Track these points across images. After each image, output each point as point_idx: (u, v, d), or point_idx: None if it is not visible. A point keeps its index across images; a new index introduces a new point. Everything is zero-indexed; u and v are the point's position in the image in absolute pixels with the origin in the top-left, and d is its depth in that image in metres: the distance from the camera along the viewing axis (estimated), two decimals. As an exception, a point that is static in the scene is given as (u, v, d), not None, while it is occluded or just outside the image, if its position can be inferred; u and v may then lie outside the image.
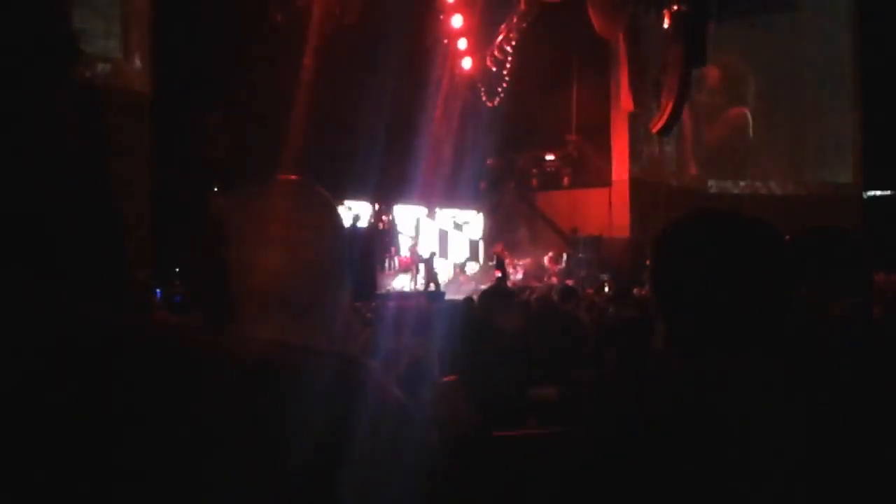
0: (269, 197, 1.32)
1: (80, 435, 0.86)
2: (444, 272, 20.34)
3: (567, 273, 20.22)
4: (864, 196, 26.48)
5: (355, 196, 17.59)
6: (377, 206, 19.16)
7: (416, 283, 19.13)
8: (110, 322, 0.94)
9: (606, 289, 16.32)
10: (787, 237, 1.88)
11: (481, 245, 23.31)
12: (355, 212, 17.96)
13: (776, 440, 1.31)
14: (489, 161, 23.44)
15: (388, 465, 1.07)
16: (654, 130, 20.66)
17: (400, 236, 20.10)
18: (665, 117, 19.69)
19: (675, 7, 18.70)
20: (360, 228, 16.95)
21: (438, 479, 1.16)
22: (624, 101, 20.99)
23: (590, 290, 15.17)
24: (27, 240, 0.88)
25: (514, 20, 20.56)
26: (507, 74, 21.03)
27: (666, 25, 19.54)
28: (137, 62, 13.58)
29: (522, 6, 20.09)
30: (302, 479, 1.00)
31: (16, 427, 0.83)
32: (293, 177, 1.35)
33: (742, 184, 26.07)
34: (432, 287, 18.66)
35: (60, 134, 0.93)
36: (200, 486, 0.93)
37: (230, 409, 0.98)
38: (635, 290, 12.07)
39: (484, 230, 23.48)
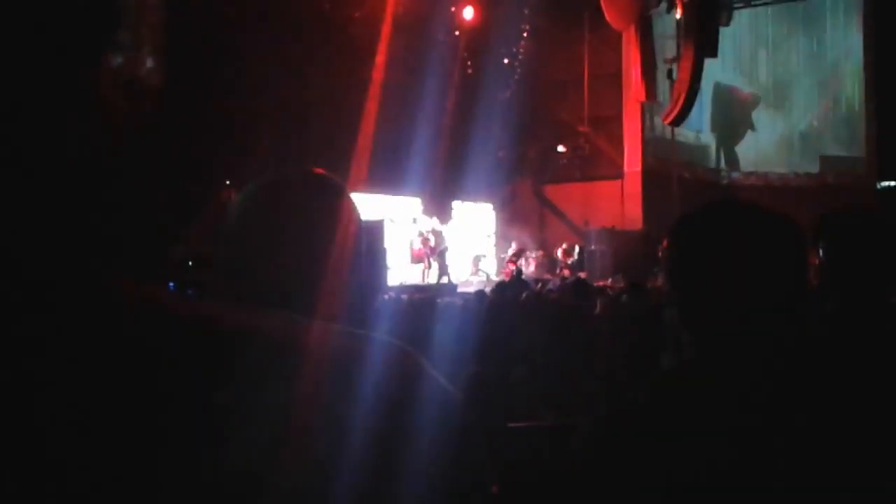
0: (281, 189, 1.31)
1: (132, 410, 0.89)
2: (456, 265, 20.32)
3: (579, 265, 20.18)
4: (878, 186, 26.38)
5: (367, 190, 17.60)
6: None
7: (427, 276, 19.14)
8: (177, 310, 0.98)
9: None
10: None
11: (493, 238, 23.28)
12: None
13: (791, 437, 1.30)
14: (500, 153, 23.42)
15: (436, 449, 1.11)
16: (667, 121, 20.63)
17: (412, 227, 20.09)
18: (678, 108, 19.66)
19: (688, -3, 18.66)
20: (371, 222, 16.93)
21: (479, 464, 1.21)
22: (636, 92, 20.95)
23: (602, 283, 15.15)
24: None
25: (526, 12, 20.54)
26: (519, 66, 21.00)
27: (678, 16, 19.50)
28: (149, 56, 13.58)
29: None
30: (360, 460, 1.04)
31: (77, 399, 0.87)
32: (307, 169, 1.34)
33: (754, 175, 25.99)
34: (445, 280, 18.66)
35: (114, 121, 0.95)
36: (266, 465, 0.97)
37: (293, 394, 1.02)
38: (648, 283, 12.03)
39: (496, 223, 23.45)
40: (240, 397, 0.98)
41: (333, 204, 1.29)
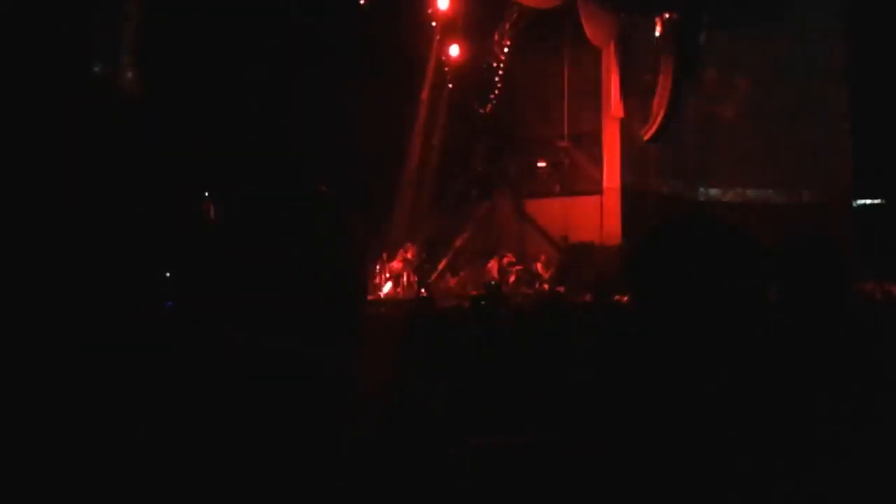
0: (271, 202, 1.31)
1: None
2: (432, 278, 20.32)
3: (558, 280, 20.22)
4: (854, 205, 26.55)
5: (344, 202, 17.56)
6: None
7: (403, 289, 19.10)
8: None
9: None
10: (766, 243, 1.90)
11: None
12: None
13: None
14: (480, 168, 23.47)
15: None
16: (646, 138, 20.75)
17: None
18: (656, 125, 19.80)
19: (667, 15, 18.80)
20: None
21: None
22: (615, 109, 21.06)
23: (580, 298, 15.16)
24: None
25: (506, 27, 20.64)
26: (499, 81, 21.07)
27: (658, 33, 19.65)
28: (131, 64, 13.55)
29: (514, 13, 20.16)
30: None
31: None
32: (296, 181, 1.34)
33: (732, 192, 26.12)
34: (423, 293, 18.64)
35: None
36: None
37: None
38: (618, 298, 11.99)
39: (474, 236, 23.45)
40: None
41: (322, 215, 1.28)
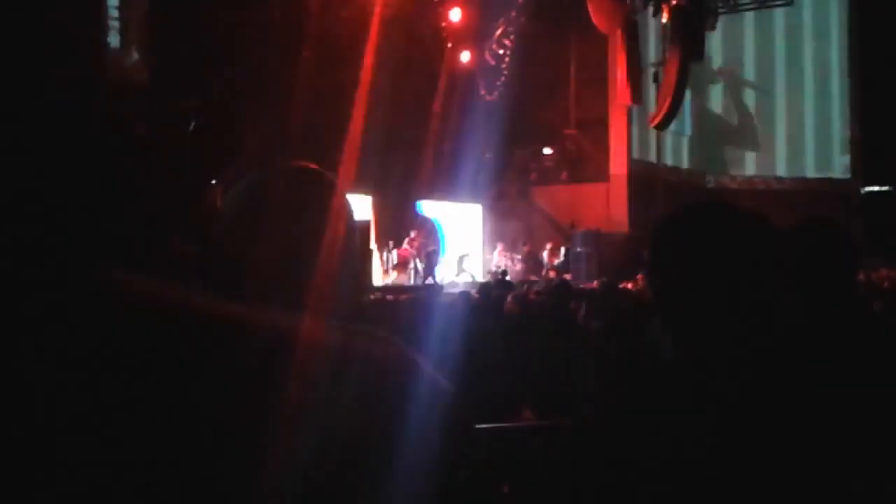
0: (270, 182, 1.31)
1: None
2: (441, 266, 20.32)
3: (565, 267, 20.22)
4: (862, 191, 26.51)
5: (353, 189, 17.58)
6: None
7: (413, 278, 19.10)
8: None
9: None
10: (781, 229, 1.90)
11: (480, 239, 23.27)
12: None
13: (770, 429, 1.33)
14: (487, 155, 23.44)
15: (429, 441, 1.14)
16: (653, 125, 20.69)
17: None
18: (663, 112, 19.73)
19: (674, 2, 18.72)
20: (358, 222, 16.87)
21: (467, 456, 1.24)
22: (621, 96, 20.99)
23: (587, 285, 15.16)
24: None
25: (513, 14, 20.57)
26: (506, 68, 21.02)
27: (664, 20, 19.57)
28: (134, 54, 13.56)
29: (521, 0, 20.11)
30: (355, 456, 1.07)
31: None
32: (296, 163, 1.34)
33: (739, 178, 26.11)
34: (430, 281, 18.63)
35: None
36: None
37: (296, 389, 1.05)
38: (624, 285, 11.99)
39: (483, 224, 23.44)
40: (229, 393, 0.99)
41: (323, 197, 1.28)
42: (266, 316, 1.12)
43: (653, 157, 23.54)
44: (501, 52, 20.86)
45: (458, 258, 21.68)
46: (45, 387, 0.88)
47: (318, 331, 1.15)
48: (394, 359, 1.18)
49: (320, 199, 1.27)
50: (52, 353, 0.89)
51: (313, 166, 1.33)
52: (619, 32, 19.98)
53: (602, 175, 23.13)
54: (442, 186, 20.73)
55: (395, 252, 19.48)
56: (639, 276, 12.28)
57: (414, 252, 19.44)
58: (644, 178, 22.68)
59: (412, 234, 19.73)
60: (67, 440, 0.89)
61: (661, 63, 20.68)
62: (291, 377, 1.05)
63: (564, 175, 23.79)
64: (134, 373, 0.93)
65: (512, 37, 20.69)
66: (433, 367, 1.20)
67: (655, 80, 20.65)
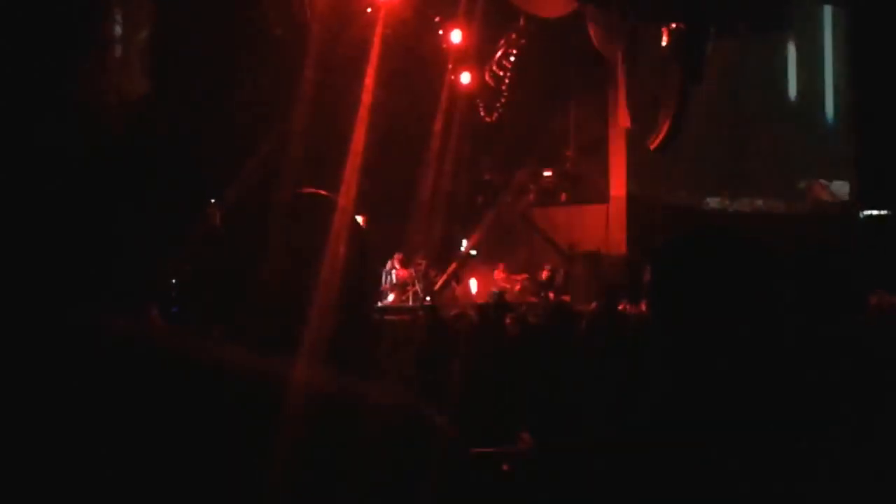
0: (276, 208, 1.30)
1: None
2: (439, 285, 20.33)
3: (564, 289, 20.21)
4: (861, 215, 26.52)
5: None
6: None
7: (412, 298, 19.10)
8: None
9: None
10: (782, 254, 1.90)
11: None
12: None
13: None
14: (487, 176, 23.49)
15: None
16: (652, 148, 20.71)
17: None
18: (663, 135, 19.75)
19: (674, 25, 18.80)
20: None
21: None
22: (621, 119, 21.05)
23: (585, 307, 15.13)
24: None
25: (513, 36, 20.65)
26: (506, 90, 21.09)
27: (665, 43, 19.63)
28: (134, 77, 13.57)
29: (521, 22, 20.19)
30: None
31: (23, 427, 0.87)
32: (300, 187, 1.33)
33: (738, 201, 26.11)
34: (428, 300, 18.63)
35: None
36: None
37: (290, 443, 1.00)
38: (622, 307, 11.96)
39: (480, 245, 23.45)
40: (206, 440, 0.97)
41: (325, 220, 1.27)
42: (248, 359, 1.09)
43: (652, 180, 23.55)
44: (501, 73, 20.93)
45: (454, 278, 21.67)
46: (21, 434, 0.87)
47: (305, 375, 1.11)
48: (411, 424, 1.12)
49: (320, 221, 1.26)
50: (27, 399, 0.88)
51: (314, 190, 1.32)
52: (619, 55, 20.05)
53: (601, 197, 23.16)
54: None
55: (393, 273, 19.48)
56: (638, 298, 12.27)
57: (414, 274, 19.46)
58: (643, 200, 22.69)
59: (410, 257, 19.76)
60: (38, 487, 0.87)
61: (661, 86, 20.72)
62: (270, 423, 1.00)
63: (563, 196, 23.82)
64: (108, 420, 0.90)
65: (512, 58, 20.77)
66: (436, 411, 1.15)
67: (655, 103, 20.69)
